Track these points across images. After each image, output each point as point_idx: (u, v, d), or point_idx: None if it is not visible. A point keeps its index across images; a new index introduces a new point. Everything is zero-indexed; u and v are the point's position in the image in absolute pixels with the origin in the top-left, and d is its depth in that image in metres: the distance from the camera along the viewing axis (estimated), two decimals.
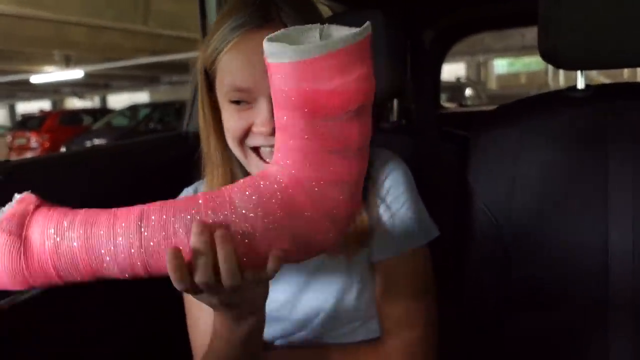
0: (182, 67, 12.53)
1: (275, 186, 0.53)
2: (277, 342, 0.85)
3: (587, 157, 0.87)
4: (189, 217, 0.51)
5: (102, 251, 0.49)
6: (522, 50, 14.53)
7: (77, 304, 0.90)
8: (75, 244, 0.49)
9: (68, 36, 9.83)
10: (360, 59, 0.48)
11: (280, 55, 0.47)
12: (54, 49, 10.83)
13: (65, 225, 0.49)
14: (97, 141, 9.02)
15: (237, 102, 0.69)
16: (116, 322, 1.01)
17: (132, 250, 0.49)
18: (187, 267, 0.52)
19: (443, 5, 1.97)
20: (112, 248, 0.49)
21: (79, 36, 9.93)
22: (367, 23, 0.49)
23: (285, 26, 0.64)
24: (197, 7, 1.32)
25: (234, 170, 0.78)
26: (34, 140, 10.81)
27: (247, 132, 0.70)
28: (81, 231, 0.49)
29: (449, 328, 0.85)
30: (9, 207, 0.50)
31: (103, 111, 13.67)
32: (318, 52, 0.46)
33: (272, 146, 0.69)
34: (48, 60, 12.58)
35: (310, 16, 0.70)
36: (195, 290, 0.54)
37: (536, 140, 0.91)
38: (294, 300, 0.80)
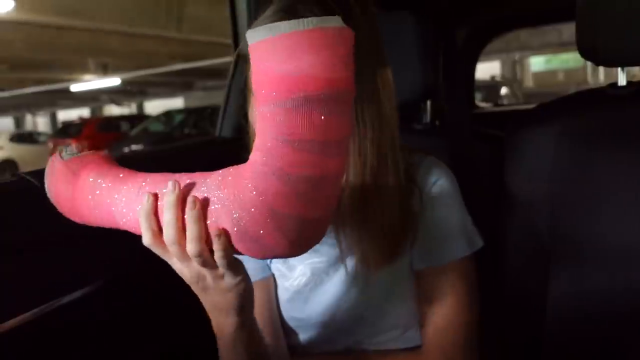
0: (216, 73, 12.72)
1: (238, 169, 0.54)
2: (320, 346, 0.84)
3: (630, 158, 0.84)
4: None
5: (116, 197, 0.61)
6: (559, 46, 14.22)
7: (96, 316, 0.91)
8: (97, 191, 0.63)
9: (104, 44, 10.09)
10: (310, 47, 0.46)
11: (248, 36, 0.48)
12: (90, 57, 11.11)
13: (103, 176, 0.63)
14: (134, 147, 9.23)
15: None
16: (141, 334, 1.02)
17: (130, 204, 0.60)
18: (156, 221, 0.56)
19: (476, 2, 1.94)
20: (122, 199, 0.60)
21: (114, 44, 10.18)
22: (337, 18, 0.47)
23: None
24: (229, 13, 1.33)
25: None
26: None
27: None
28: (110, 184, 0.62)
29: (489, 334, 0.83)
30: (85, 153, 0.68)
31: (140, 117, 13.97)
32: (263, 35, 0.46)
33: None
34: (86, 69, 12.93)
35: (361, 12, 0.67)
36: (163, 249, 0.57)
37: (576, 139, 0.88)
38: (334, 308, 0.80)
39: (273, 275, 0.84)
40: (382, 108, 0.69)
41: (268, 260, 0.83)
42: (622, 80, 0.90)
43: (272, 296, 0.83)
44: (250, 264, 0.82)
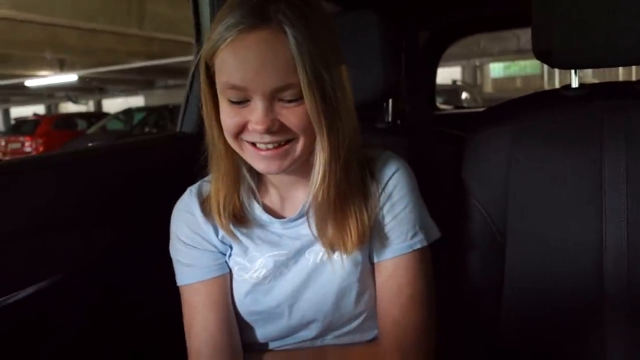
0: (177, 71, 12.54)
1: None
2: (277, 342, 0.84)
3: (582, 156, 0.87)
4: None
5: None
6: (517, 53, 14.57)
7: (72, 305, 0.90)
8: None
9: (62, 40, 9.81)
10: None
11: None
12: (47, 53, 10.80)
13: None
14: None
15: (234, 101, 0.70)
16: (112, 325, 1.00)
17: None
18: None
19: (438, 6, 1.97)
20: None
21: (72, 40, 9.91)
22: None
23: (282, 28, 0.65)
24: (191, 11, 1.31)
25: (239, 161, 0.78)
26: (27, 144, 10.77)
27: (242, 129, 0.71)
28: None
29: (445, 326, 0.84)
30: None
31: (98, 115, 13.63)
32: None
33: (266, 143, 0.70)
34: (42, 64, 12.55)
35: (314, 16, 0.68)
36: None
37: (530, 139, 0.91)
38: (293, 299, 0.80)
39: (230, 271, 0.83)
40: (341, 108, 0.71)
41: (227, 255, 0.83)
42: (574, 82, 0.93)
43: (228, 293, 0.83)
44: (207, 261, 0.82)
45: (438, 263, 0.84)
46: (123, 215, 1.01)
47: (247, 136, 0.71)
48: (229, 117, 0.71)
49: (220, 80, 0.70)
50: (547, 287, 0.89)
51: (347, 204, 0.75)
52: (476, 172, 0.96)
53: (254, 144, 0.71)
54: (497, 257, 0.93)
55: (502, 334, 0.93)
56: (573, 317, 0.87)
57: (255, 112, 0.68)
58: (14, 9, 7.92)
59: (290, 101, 0.68)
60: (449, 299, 0.93)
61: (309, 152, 0.73)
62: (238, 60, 0.67)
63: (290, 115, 0.69)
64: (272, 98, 0.68)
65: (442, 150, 1.15)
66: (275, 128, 0.69)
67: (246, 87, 0.67)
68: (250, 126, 0.69)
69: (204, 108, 0.76)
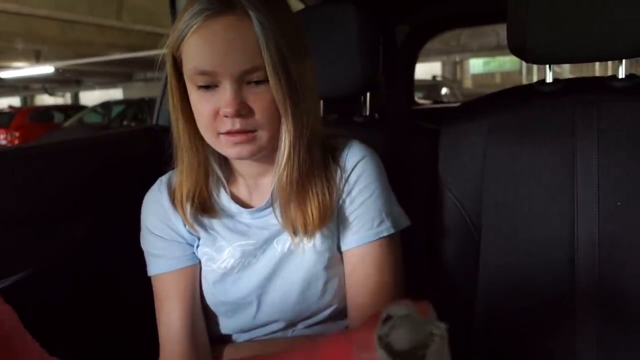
0: (156, 64, 12.40)
1: None
2: (247, 334, 0.85)
3: (555, 150, 0.89)
4: None
5: None
6: (496, 49, 14.72)
7: (49, 296, 0.89)
8: None
9: (38, 30, 9.63)
10: None
11: None
12: (22, 44, 10.60)
13: None
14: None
15: (204, 87, 0.70)
16: (90, 315, 0.99)
17: None
18: None
19: (417, 0, 1.98)
20: None
21: (49, 31, 9.74)
22: None
23: (247, 13, 0.67)
24: (168, 3, 1.30)
25: (204, 154, 0.79)
26: (2, 137, 10.57)
27: (215, 116, 0.71)
28: None
29: None
30: None
31: (75, 108, 13.41)
32: None
33: (239, 131, 0.71)
34: (17, 55, 12.31)
35: (277, 2, 0.71)
36: None
37: (504, 133, 0.92)
38: (261, 289, 0.80)
39: (199, 262, 0.84)
40: (305, 90, 0.73)
41: (194, 246, 0.83)
42: (549, 78, 0.94)
43: (196, 284, 0.83)
44: (175, 252, 0.82)
45: (413, 255, 0.84)
46: (100, 206, 1.01)
47: (221, 126, 0.72)
48: (199, 104, 0.72)
49: (188, 67, 0.71)
50: (520, 279, 0.90)
51: (309, 185, 0.77)
52: (451, 165, 0.96)
53: (228, 133, 0.72)
54: (472, 250, 0.94)
55: (476, 326, 0.94)
56: (545, 309, 0.89)
57: (224, 96, 0.69)
58: None
59: (257, 83, 0.70)
60: (425, 290, 0.94)
61: (276, 139, 0.74)
62: (206, 46, 0.68)
63: (257, 100, 0.70)
64: (241, 81, 0.69)
65: (419, 143, 1.15)
66: (245, 112, 0.70)
67: (214, 72, 0.68)
68: (221, 111, 0.70)
69: (169, 100, 0.77)
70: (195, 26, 0.68)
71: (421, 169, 1.07)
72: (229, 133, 0.71)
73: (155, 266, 0.83)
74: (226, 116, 0.70)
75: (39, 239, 0.89)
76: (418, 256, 0.87)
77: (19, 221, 0.87)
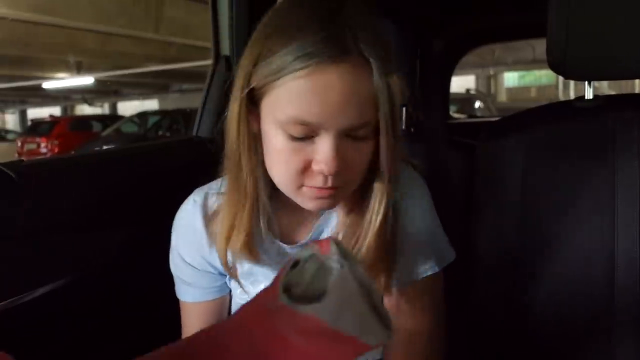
0: (192, 76, 12.63)
1: None
2: None
3: (595, 167, 0.87)
4: None
5: None
6: (532, 63, 14.51)
7: (87, 305, 0.91)
8: None
9: (79, 43, 9.93)
10: None
11: None
12: (64, 55, 10.94)
13: None
14: (106, 148, 9.09)
15: (298, 138, 0.61)
16: (126, 325, 1.01)
17: None
18: None
19: (453, 14, 1.98)
20: None
21: (90, 43, 10.03)
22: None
23: (365, 59, 0.58)
24: (210, 16, 1.33)
25: (256, 188, 0.69)
26: (43, 145, 10.90)
27: (304, 169, 0.62)
28: None
29: (454, 334, 0.84)
30: None
31: (113, 118, 13.78)
32: None
33: (329, 189, 0.62)
34: (59, 66, 12.70)
35: (388, 44, 0.63)
36: None
37: (544, 149, 0.91)
38: None
39: (230, 291, 0.81)
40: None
41: (227, 276, 0.79)
42: (589, 94, 0.93)
43: (225, 314, 0.81)
44: (205, 282, 0.78)
45: (449, 273, 0.84)
46: (138, 217, 1.03)
47: (309, 181, 0.63)
48: (287, 154, 0.62)
49: (283, 111, 0.60)
50: (558, 297, 0.89)
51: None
52: (489, 181, 0.96)
53: (315, 186, 0.63)
54: (509, 267, 0.93)
55: (513, 344, 0.93)
56: (583, 327, 0.87)
57: (323, 151, 0.60)
58: (32, 12, 8.04)
59: (360, 139, 0.61)
60: (461, 308, 0.93)
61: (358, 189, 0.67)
62: (315, 97, 0.58)
63: (357, 156, 0.62)
64: (343, 135, 0.60)
65: (455, 158, 1.15)
66: (341, 168, 0.60)
67: (320, 124, 0.59)
68: (316, 166, 0.61)
69: (234, 135, 0.67)
70: (303, 70, 0.57)
71: (458, 184, 1.06)
72: (315, 187, 0.63)
73: (183, 293, 0.80)
74: (321, 172, 0.61)
75: (75, 247, 0.91)
76: (451, 273, 0.86)
77: (63, 228, 0.90)
